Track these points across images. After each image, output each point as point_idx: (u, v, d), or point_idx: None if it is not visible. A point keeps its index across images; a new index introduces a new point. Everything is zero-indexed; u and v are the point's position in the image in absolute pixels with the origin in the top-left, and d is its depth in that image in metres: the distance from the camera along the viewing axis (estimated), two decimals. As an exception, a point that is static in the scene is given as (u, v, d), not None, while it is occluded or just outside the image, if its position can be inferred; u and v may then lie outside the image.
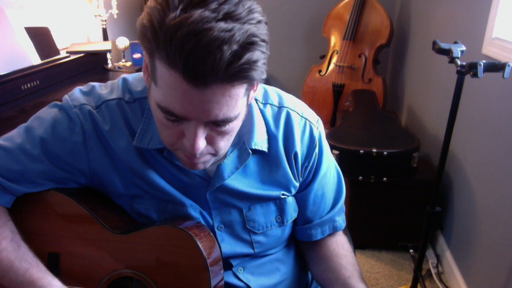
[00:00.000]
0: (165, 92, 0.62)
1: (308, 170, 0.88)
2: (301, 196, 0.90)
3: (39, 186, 0.80)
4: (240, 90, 0.63)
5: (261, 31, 0.61)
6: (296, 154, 0.85)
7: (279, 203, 0.88)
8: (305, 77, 3.30)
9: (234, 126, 0.69)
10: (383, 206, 2.12)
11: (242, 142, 0.81)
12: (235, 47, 0.57)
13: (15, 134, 0.80)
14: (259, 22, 0.61)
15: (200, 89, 0.59)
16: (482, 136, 1.72)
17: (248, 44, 0.58)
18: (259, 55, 0.60)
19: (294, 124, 0.85)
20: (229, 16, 0.58)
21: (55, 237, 0.81)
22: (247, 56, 0.58)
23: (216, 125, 0.66)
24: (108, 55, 2.40)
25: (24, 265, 0.75)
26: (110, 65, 2.40)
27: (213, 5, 0.57)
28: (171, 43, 0.56)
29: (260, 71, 0.61)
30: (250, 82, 0.63)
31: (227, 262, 0.86)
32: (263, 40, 0.61)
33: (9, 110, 1.52)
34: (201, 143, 0.66)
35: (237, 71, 0.58)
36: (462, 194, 1.91)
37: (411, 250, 2.02)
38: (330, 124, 3.15)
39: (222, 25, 0.56)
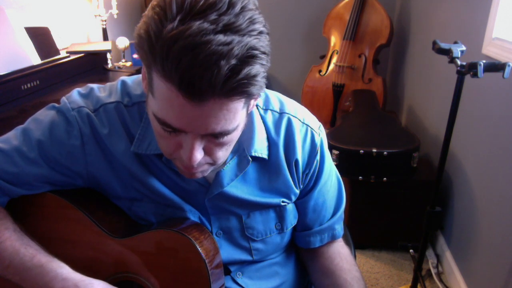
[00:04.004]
0: (161, 104, 0.61)
1: (309, 177, 0.87)
2: (301, 203, 0.89)
3: (35, 188, 0.79)
4: (238, 104, 0.61)
5: (262, 43, 0.58)
6: (297, 161, 0.84)
7: (279, 211, 0.87)
8: (305, 77, 3.30)
9: (233, 137, 0.68)
10: (383, 206, 2.12)
11: (242, 149, 0.80)
12: (233, 61, 0.55)
13: (12, 136, 0.79)
14: (260, 33, 0.58)
15: (197, 103, 0.58)
16: (482, 136, 1.72)
17: (248, 58, 0.56)
18: (258, 69, 0.58)
19: (295, 131, 0.83)
20: (229, 28, 0.55)
21: (52, 240, 0.81)
22: (246, 70, 0.56)
23: (214, 137, 0.65)
24: (108, 55, 2.39)
25: (30, 251, 0.74)
26: (110, 65, 2.40)
27: (213, 16, 0.55)
28: (168, 57, 0.55)
29: (259, 86, 0.59)
30: (249, 96, 0.61)
31: (225, 268, 0.86)
32: (264, 52, 0.58)
33: (9, 110, 1.52)
34: (198, 155, 0.65)
35: (235, 86, 0.56)
36: (462, 194, 1.91)
37: (411, 250, 2.01)
38: (330, 124, 3.14)
39: (221, 38, 0.54)
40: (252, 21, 0.58)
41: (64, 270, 0.72)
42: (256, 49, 0.57)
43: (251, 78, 0.57)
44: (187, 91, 0.56)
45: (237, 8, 0.57)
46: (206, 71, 0.54)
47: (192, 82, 0.55)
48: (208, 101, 0.58)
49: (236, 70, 0.56)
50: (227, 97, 0.58)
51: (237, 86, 0.57)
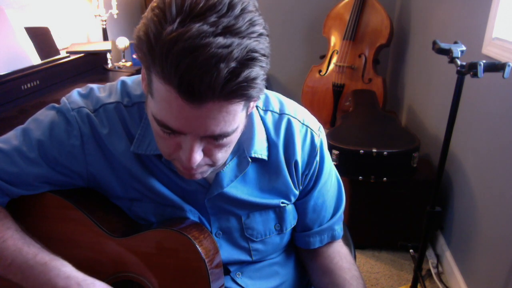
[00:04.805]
0: (161, 106, 0.61)
1: (308, 178, 0.87)
2: (301, 204, 0.89)
3: (35, 188, 0.79)
4: (238, 106, 0.61)
5: (262, 45, 0.58)
6: (296, 162, 0.84)
7: (279, 211, 0.87)
8: (305, 77, 3.30)
9: (233, 139, 0.68)
10: (383, 206, 2.12)
11: (241, 150, 0.80)
12: (232, 64, 0.54)
13: (12, 136, 0.79)
14: (260, 35, 0.58)
15: (196, 105, 0.57)
16: (482, 136, 1.72)
17: (247, 60, 0.56)
18: (258, 72, 0.57)
19: (295, 132, 0.83)
20: (229, 31, 0.55)
21: (52, 240, 0.81)
22: (245, 73, 0.56)
23: (214, 139, 0.65)
24: (108, 55, 2.39)
25: (33, 249, 0.74)
26: (110, 65, 2.40)
27: (213, 18, 0.55)
28: (167, 59, 0.54)
29: (259, 88, 0.59)
30: (249, 99, 0.61)
31: (224, 268, 0.86)
32: (263, 55, 0.58)
33: (9, 110, 1.52)
34: (198, 156, 0.65)
35: (234, 89, 0.56)
36: (462, 194, 1.91)
37: (411, 250, 2.02)
38: (330, 124, 3.15)
39: (221, 40, 0.54)
40: (252, 23, 0.57)
41: (67, 268, 0.72)
42: (256, 52, 0.57)
43: (250, 81, 0.57)
44: (186, 94, 0.56)
45: (237, 10, 0.57)
46: (206, 74, 0.54)
47: (191, 84, 0.55)
48: (207, 103, 0.58)
49: (236, 73, 0.55)
50: (227, 100, 0.58)
51: (237, 89, 0.57)
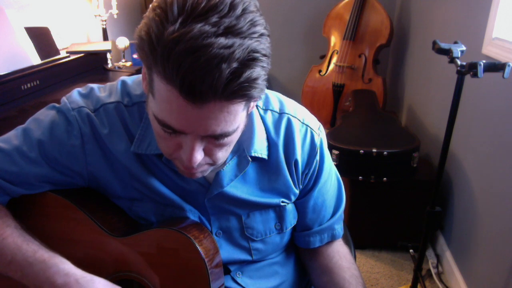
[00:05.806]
0: (162, 106, 0.61)
1: (308, 178, 0.87)
2: (301, 203, 0.89)
3: (36, 188, 0.79)
4: (239, 106, 0.61)
5: (263, 45, 0.58)
6: (296, 162, 0.84)
7: (279, 211, 0.87)
8: (305, 77, 3.30)
9: (233, 138, 0.68)
10: (383, 206, 2.12)
11: (241, 149, 0.80)
12: (234, 64, 0.55)
13: (13, 136, 0.79)
14: (261, 35, 0.58)
15: (198, 105, 0.58)
16: (482, 136, 1.73)
17: (249, 61, 0.56)
18: (259, 72, 0.58)
19: (295, 131, 0.84)
20: (230, 31, 0.55)
21: (53, 239, 0.81)
22: (247, 74, 0.56)
23: (214, 138, 0.65)
24: (108, 55, 2.40)
25: (32, 247, 0.74)
26: (110, 65, 2.40)
27: (214, 19, 0.55)
28: (169, 60, 0.55)
29: (260, 89, 0.59)
30: (250, 99, 0.61)
31: (225, 267, 0.86)
32: (264, 55, 0.58)
33: (9, 110, 1.52)
34: (198, 156, 0.65)
35: (236, 90, 0.57)
36: (462, 194, 1.91)
37: (411, 250, 2.02)
38: (330, 124, 3.15)
39: (222, 40, 0.54)
40: (253, 24, 0.58)
41: (66, 265, 0.73)
42: (257, 52, 0.57)
43: (252, 81, 0.57)
44: (188, 94, 0.57)
45: (238, 10, 0.57)
46: (208, 74, 0.54)
47: (193, 85, 0.55)
48: (208, 104, 0.58)
49: (237, 73, 0.56)
50: (228, 100, 0.59)
51: (238, 89, 0.57)
